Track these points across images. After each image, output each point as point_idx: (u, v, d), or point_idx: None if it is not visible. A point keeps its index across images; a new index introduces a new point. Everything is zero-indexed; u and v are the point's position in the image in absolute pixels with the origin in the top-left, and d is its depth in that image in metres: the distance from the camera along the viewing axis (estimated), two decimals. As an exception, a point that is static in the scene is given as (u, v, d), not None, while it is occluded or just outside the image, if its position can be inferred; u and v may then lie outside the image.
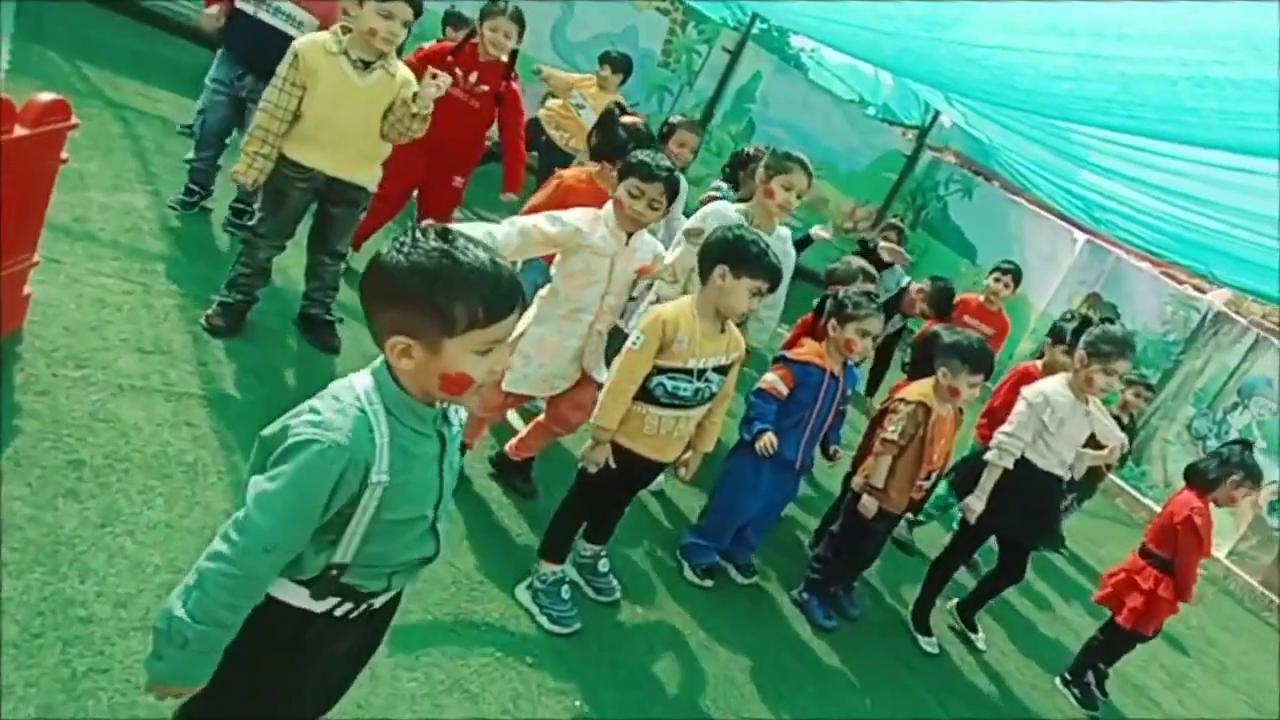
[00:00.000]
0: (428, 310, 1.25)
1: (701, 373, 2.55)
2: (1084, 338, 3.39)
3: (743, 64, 8.58)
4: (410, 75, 3.16)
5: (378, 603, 1.45)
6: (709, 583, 3.19)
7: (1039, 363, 4.33)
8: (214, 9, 3.81)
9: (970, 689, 3.49)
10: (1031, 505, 3.46)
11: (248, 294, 3.28)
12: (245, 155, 3.07)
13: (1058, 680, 3.80)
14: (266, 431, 1.32)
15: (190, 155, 4.01)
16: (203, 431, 2.68)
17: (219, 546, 1.27)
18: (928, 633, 3.59)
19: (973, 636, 3.78)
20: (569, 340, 2.81)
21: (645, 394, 2.53)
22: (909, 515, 3.81)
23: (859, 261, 3.97)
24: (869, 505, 3.24)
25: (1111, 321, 3.58)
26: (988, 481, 3.38)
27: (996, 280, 5.22)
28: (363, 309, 1.32)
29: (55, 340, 2.73)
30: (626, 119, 3.54)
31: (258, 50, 3.65)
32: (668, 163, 2.77)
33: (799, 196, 3.22)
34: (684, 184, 4.50)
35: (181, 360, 2.95)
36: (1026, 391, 3.45)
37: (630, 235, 2.77)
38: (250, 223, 3.85)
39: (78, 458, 2.35)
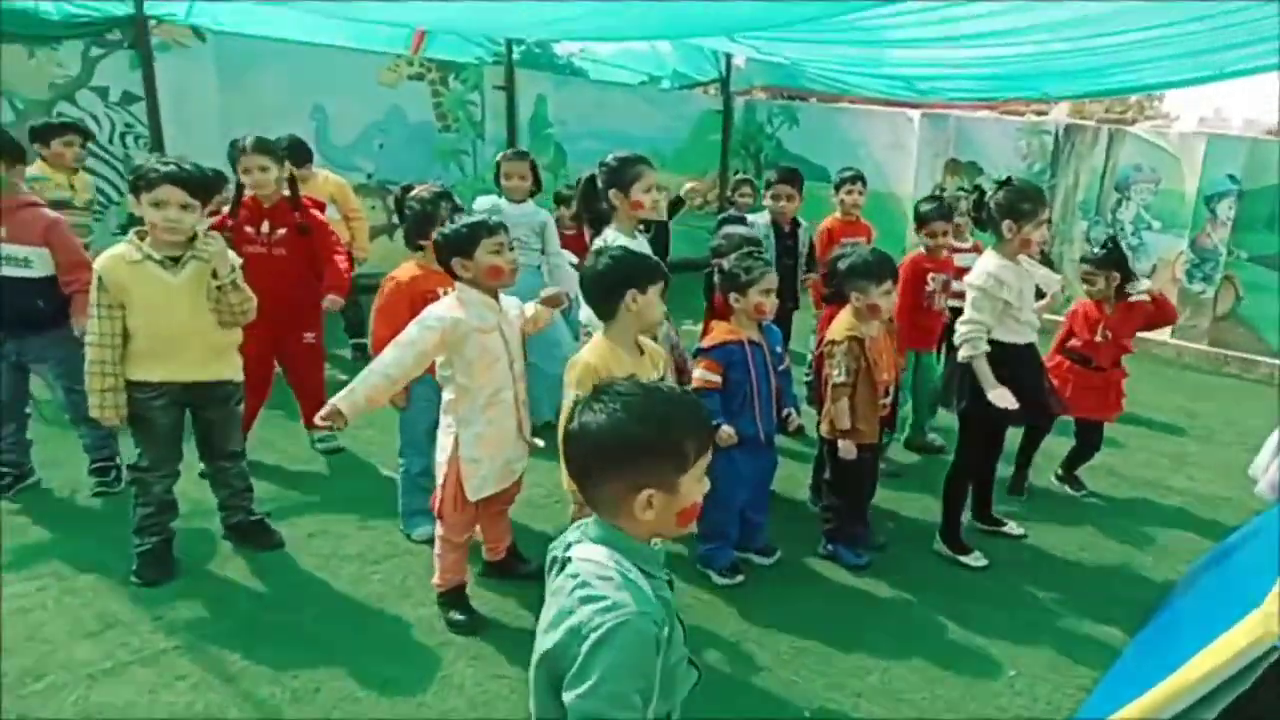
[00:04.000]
0: (666, 455, 1.49)
1: None
2: (997, 206, 3.64)
3: (521, 93, 9.20)
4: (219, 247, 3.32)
5: None
6: (740, 578, 3.62)
7: (923, 250, 4.95)
8: None
9: (1013, 557, 4.02)
10: (1026, 383, 3.68)
11: (161, 532, 3.47)
12: (93, 395, 3.22)
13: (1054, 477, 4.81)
14: (545, 647, 1.47)
15: None
16: (198, 679, 2.89)
17: None
18: (966, 550, 3.91)
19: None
20: (505, 422, 3.17)
21: None
22: (888, 431, 4.31)
23: (739, 231, 4.49)
24: (847, 449, 3.71)
25: (1010, 182, 3.78)
26: (985, 372, 3.59)
27: (847, 193, 5.61)
28: (584, 480, 1.54)
29: (-1, 667, 2.89)
30: (416, 191, 3.84)
31: None
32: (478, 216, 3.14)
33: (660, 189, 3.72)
34: (544, 215, 5.02)
35: (136, 624, 3.14)
36: (973, 279, 3.69)
37: (497, 298, 3.12)
38: (116, 479, 4.07)
39: (94, 757, 2.54)
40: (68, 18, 6.78)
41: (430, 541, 3.45)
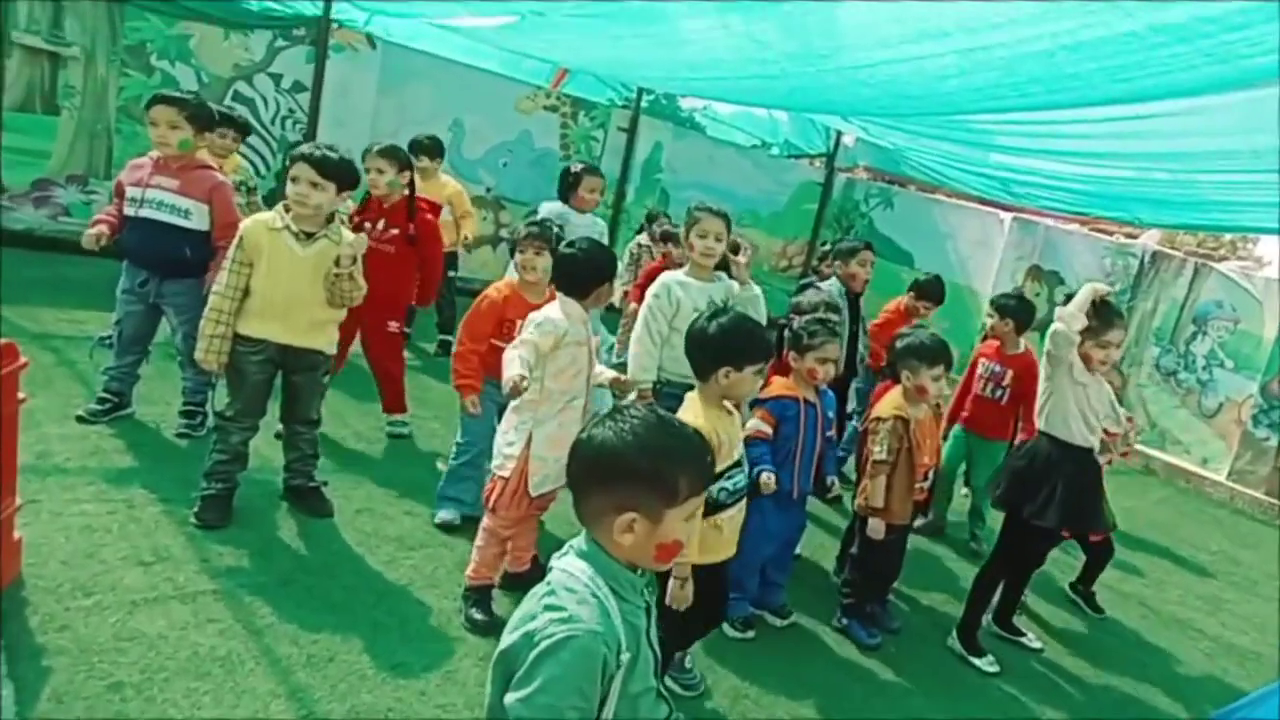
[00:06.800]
0: (657, 484, 1.40)
1: (741, 460, 2.84)
2: None
3: (641, 138, 9.17)
4: (352, 239, 3.39)
5: None
6: (750, 634, 3.39)
7: (994, 341, 4.71)
8: (96, 229, 3.86)
9: (1025, 668, 3.68)
10: (1075, 486, 3.38)
11: (227, 480, 3.45)
12: (202, 339, 3.28)
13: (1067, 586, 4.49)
14: (503, 646, 1.41)
15: (109, 364, 4.07)
16: (227, 624, 2.82)
17: None
18: (980, 652, 3.60)
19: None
20: (572, 428, 3.06)
21: (711, 506, 2.72)
22: (922, 516, 4.02)
23: (822, 295, 4.29)
24: (876, 528, 3.46)
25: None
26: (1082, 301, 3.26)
27: (924, 308, 5.52)
28: (577, 491, 1.46)
29: (56, 576, 2.87)
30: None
31: (148, 249, 3.86)
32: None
33: (718, 240, 3.58)
34: (602, 225, 5.01)
35: (184, 562, 3.10)
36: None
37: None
38: (201, 424, 4.08)
39: (115, 680, 2.48)
40: (265, 10, 7.13)
41: (447, 528, 3.46)
